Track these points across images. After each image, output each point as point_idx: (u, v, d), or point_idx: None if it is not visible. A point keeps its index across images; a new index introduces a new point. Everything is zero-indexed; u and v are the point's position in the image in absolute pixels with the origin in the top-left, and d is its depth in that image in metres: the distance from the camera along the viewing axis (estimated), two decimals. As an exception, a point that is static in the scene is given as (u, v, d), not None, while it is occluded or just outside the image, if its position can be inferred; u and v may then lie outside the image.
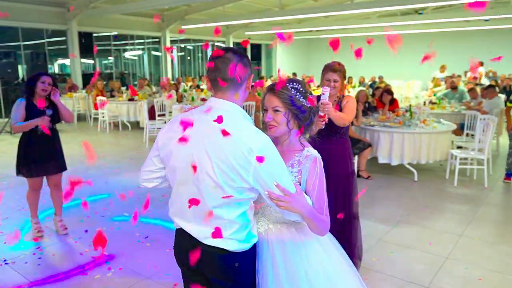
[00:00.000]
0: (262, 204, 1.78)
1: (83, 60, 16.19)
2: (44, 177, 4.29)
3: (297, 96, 1.80)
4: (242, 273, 1.74)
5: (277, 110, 1.80)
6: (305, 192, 1.76)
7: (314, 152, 1.83)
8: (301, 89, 1.83)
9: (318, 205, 1.75)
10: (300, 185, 1.78)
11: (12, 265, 3.70)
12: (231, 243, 1.68)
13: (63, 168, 4.32)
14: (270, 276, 1.79)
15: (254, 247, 1.77)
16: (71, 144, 9.04)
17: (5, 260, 3.79)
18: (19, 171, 4.17)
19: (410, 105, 8.12)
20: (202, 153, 1.61)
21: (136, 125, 11.46)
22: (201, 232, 1.70)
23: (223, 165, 1.58)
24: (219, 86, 1.66)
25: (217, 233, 1.64)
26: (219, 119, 1.58)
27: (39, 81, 4.00)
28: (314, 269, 1.79)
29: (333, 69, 3.33)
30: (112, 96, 11.91)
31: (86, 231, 4.43)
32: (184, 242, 1.78)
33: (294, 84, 1.83)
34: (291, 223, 1.84)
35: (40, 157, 4.08)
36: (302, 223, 1.81)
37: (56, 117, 4.17)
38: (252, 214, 1.75)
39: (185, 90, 13.74)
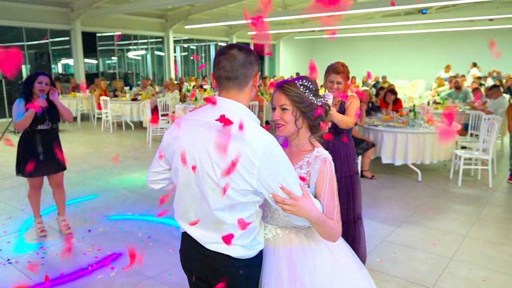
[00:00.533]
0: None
1: (87, 60, 16.21)
2: (46, 178, 4.29)
3: (306, 94, 1.73)
4: (247, 281, 1.67)
5: (285, 108, 1.73)
6: (315, 196, 1.68)
7: (325, 153, 1.74)
8: (310, 86, 1.76)
9: (328, 209, 1.65)
10: (309, 187, 1.70)
11: (15, 265, 3.71)
12: (235, 249, 1.61)
13: (63, 167, 4.32)
14: (273, 285, 1.71)
15: (260, 254, 1.70)
16: (75, 143, 9.07)
17: (8, 260, 3.80)
18: (18, 171, 4.17)
19: (414, 105, 8.09)
20: (203, 153, 1.55)
21: (139, 125, 11.47)
22: (205, 237, 1.64)
23: (224, 166, 1.51)
24: (224, 85, 1.60)
25: (227, 239, 1.58)
26: (222, 118, 1.51)
27: (36, 82, 3.99)
28: (320, 279, 1.70)
29: (336, 71, 3.29)
30: (115, 96, 11.93)
31: (89, 231, 4.44)
32: (188, 246, 1.73)
33: (304, 81, 1.76)
34: (301, 228, 1.76)
35: (39, 156, 4.07)
36: (313, 228, 1.72)
37: (55, 116, 4.16)
38: (258, 219, 1.68)
39: (188, 90, 13.74)
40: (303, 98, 1.72)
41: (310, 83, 1.76)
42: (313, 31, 21.35)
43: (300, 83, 1.75)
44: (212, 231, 1.62)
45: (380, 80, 16.40)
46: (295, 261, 1.72)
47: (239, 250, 1.62)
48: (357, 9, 13.73)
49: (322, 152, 1.74)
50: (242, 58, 1.57)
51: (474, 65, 16.55)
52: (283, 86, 1.75)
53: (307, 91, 1.74)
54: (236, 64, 1.56)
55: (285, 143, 1.87)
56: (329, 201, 1.66)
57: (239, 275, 1.64)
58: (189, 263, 1.76)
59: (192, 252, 1.71)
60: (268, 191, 1.53)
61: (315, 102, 1.75)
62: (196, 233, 1.67)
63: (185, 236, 1.74)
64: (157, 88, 13.88)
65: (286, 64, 24.29)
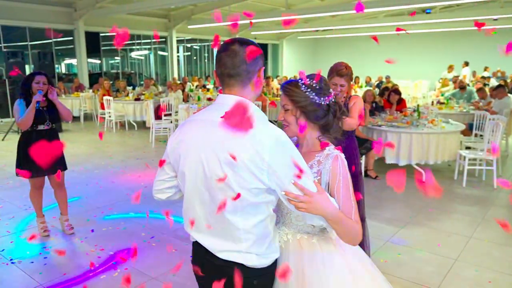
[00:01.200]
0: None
1: (90, 60, 16.24)
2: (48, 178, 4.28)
3: (307, 93, 1.65)
4: None
5: (287, 109, 1.69)
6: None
7: (336, 151, 1.67)
8: (314, 85, 1.67)
9: (345, 209, 1.55)
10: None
11: (18, 265, 3.70)
12: (249, 257, 1.51)
13: (64, 167, 4.31)
14: None
15: (275, 263, 1.61)
16: (77, 143, 9.07)
17: (11, 259, 3.79)
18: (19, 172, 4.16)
19: (418, 105, 8.06)
20: (210, 154, 1.47)
21: (142, 125, 11.47)
22: (217, 245, 1.55)
23: (232, 164, 1.43)
24: (226, 82, 1.53)
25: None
26: (227, 115, 1.42)
27: (34, 82, 3.98)
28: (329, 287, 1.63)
29: (340, 74, 3.25)
30: (117, 96, 11.91)
31: (92, 230, 4.42)
32: (200, 256, 1.64)
33: (307, 80, 1.68)
34: (313, 233, 1.70)
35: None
36: (326, 234, 1.67)
37: (55, 116, 4.15)
38: (272, 225, 1.58)
39: (191, 90, 13.74)
40: (303, 98, 1.65)
41: (314, 81, 1.68)
42: (317, 30, 21.34)
43: (303, 82, 1.68)
44: (224, 238, 1.53)
45: (384, 80, 16.36)
46: (304, 269, 1.65)
47: (254, 258, 1.53)
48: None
49: (333, 150, 1.67)
50: (244, 53, 1.49)
51: (466, 64, 16.48)
52: (285, 86, 1.71)
53: (309, 89, 1.66)
54: (237, 61, 1.49)
55: (297, 145, 1.79)
56: (345, 199, 1.57)
57: (253, 285, 1.55)
58: (201, 275, 1.68)
59: (203, 262, 1.63)
60: (280, 188, 1.45)
61: (318, 101, 1.67)
62: (208, 242, 1.57)
63: (196, 246, 1.65)
64: (160, 88, 13.89)
65: (289, 64, 24.27)
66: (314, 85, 1.68)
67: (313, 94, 1.67)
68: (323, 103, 1.68)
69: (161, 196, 1.77)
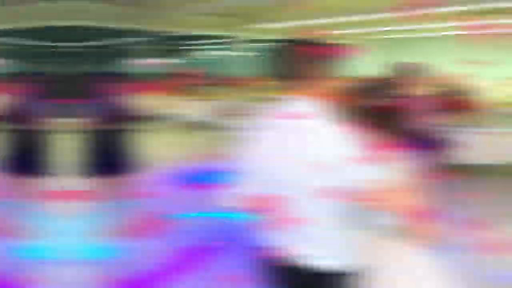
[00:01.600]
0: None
1: (162, 60, 16.44)
2: None
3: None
4: None
5: None
6: None
7: (404, 150, 1.63)
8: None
9: (415, 208, 1.49)
10: None
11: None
12: (322, 261, 1.46)
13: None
14: None
15: (353, 267, 1.54)
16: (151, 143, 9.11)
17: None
18: None
19: (494, 105, 7.65)
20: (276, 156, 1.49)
21: (209, 125, 11.35)
22: (288, 250, 1.51)
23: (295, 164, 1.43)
24: (286, 83, 1.57)
25: None
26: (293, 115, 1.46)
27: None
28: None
29: (404, 75, 3.18)
30: (187, 95, 12.05)
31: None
32: (272, 262, 1.60)
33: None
34: (381, 234, 1.61)
35: None
36: (393, 235, 1.59)
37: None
38: (343, 228, 1.51)
39: (256, 90, 13.68)
40: None
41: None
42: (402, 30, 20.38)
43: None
44: (295, 243, 1.50)
45: (455, 80, 15.42)
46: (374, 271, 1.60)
47: (327, 263, 1.47)
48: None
49: (400, 150, 1.63)
50: (303, 54, 1.48)
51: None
52: None
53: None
54: (295, 62, 1.49)
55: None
56: (414, 198, 1.51)
57: None
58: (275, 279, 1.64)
59: (276, 268, 1.59)
60: (347, 186, 1.40)
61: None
62: (278, 247, 1.53)
63: (268, 252, 1.61)
64: (226, 88, 13.92)
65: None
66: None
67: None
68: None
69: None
